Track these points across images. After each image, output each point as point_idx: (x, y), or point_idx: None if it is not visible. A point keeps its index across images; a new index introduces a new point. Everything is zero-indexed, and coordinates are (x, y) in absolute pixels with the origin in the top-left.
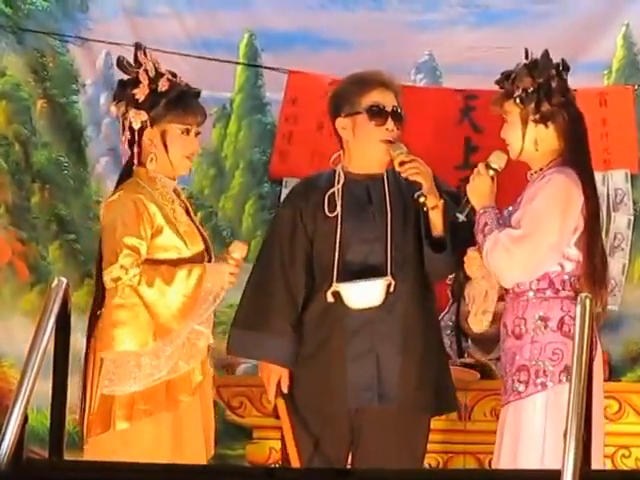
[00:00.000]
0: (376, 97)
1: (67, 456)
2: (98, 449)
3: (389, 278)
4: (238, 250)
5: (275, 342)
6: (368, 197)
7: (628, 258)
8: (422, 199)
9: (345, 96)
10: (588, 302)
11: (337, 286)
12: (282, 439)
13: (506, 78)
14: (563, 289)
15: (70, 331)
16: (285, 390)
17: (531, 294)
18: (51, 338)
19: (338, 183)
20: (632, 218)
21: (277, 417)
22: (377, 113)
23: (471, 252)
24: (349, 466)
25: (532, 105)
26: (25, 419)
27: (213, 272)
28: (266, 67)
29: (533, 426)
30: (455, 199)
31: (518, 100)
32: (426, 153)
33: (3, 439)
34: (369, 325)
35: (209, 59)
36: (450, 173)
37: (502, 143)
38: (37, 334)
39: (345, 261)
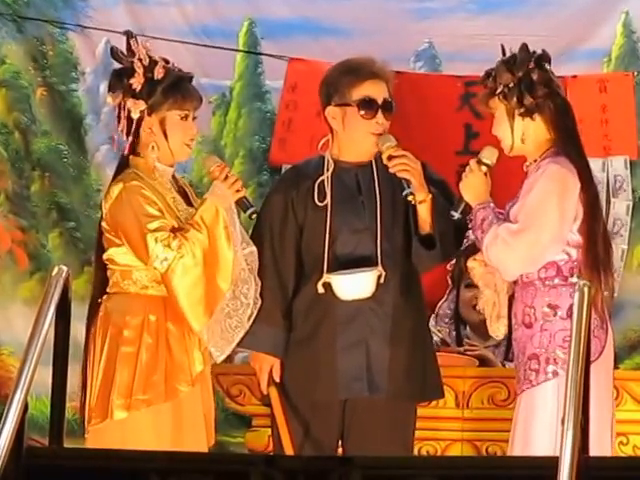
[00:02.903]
0: (368, 89)
1: (67, 444)
2: (98, 438)
3: (380, 269)
4: (212, 162)
5: (267, 332)
6: (357, 186)
7: (627, 244)
8: (410, 197)
9: (336, 85)
10: (586, 289)
11: (328, 277)
12: (272, 427)
13: (487, 76)
14: (571, 276)
15: (70, 319)
16: (277, 379)
17: (539, 283)
18: (51, 326)
19: (327, 171)
20: (631, 204)
21: (268, 405)
22: (367, 106)
23: (470, 262)
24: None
25: (514, 100)
26: (25, 407)
27: (220, 198)
28: (266, 54)
29: (545, 414)
30: (443, 187)
31: (501, 96)
32: (426, 139)
33: (3, 427)
34: (359, 315)
35: (209, 47)
36: (450, 159)
37: None
38: (37, 322)
39: (335, 251)
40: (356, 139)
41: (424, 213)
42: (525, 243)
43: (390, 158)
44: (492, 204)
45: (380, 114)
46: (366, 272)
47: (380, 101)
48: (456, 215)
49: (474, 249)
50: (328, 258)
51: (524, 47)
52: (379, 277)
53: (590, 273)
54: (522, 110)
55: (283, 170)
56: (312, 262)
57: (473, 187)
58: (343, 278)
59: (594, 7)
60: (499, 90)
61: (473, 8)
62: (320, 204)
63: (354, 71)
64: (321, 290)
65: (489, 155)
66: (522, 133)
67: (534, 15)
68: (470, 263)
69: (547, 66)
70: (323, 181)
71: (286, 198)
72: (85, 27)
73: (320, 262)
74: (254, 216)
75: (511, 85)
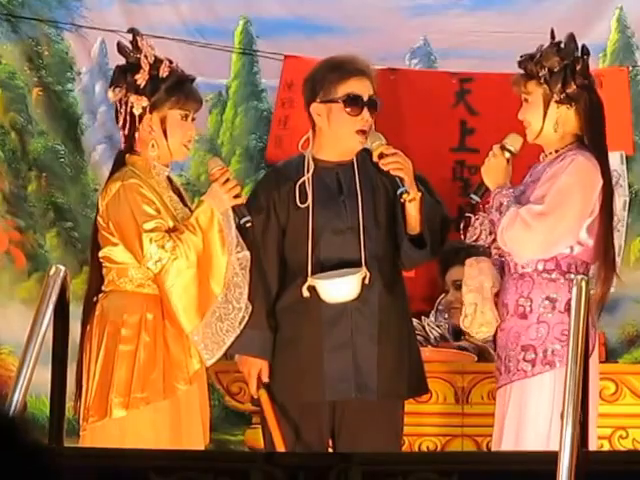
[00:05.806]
0: (353, 86)
1: (67, 443)
2: (96, 437)
3: (364, 270)
4: (215, 165)
5: (253, 335)
6: (339, 186)
7: (624, 240)
8: (405, 195)
9: (322, 82)
10: (584, 284)
11: (312, 281)
12: (264, 429)
13: (530, 59)
14: (569, 271)
15: (69, 318)
16: (266, 381)
17: (536, 275)
18: (49, 325)
19: (308, 172)
20: (627, 200)
21: (259, 407)
22: (353, 103)
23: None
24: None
25: (558, 85)
26: (24, 406)
27: (217, 201)
28: (261, 52)
29: (540, 405)
30: (425, 184)
31: (543, 80)
32: (422, 136)
33: None
34: (345, 316)
35: (205, 46)
36: (446, 155)
37: (498, 125)
38: (36, 321)
39: (318, 253)
40: (341, 136)
41: (414, 211)
42: (546, 227)
43: (381, 156)
44: (511, 189)
45: (366, 111)
46: (351, 276)
47: (365, 98)
48: (475, 198)
49: (470, 252)
50: (312, 260)
51: (572, 37)
52: (364, 278)
53: (601, 270)
54: (562, 96)
55: None
56: (296, 264)
57: (494, 171)
58: (328, 283)
59: (588, 3)
60: (542, 73)
61: (467, 5)
62: (302, 205)
63: (339, 68)
64: (306, 294)
65: (513, 142)
66: (555, 120)
67: (528, 11)
68: (468, 261)
69: (587, 60)
70: (304, 182)
71: (267, 201)
72: (80, 27)
73: (304, 264)
74: (249, 224)
75: (556, 70)
